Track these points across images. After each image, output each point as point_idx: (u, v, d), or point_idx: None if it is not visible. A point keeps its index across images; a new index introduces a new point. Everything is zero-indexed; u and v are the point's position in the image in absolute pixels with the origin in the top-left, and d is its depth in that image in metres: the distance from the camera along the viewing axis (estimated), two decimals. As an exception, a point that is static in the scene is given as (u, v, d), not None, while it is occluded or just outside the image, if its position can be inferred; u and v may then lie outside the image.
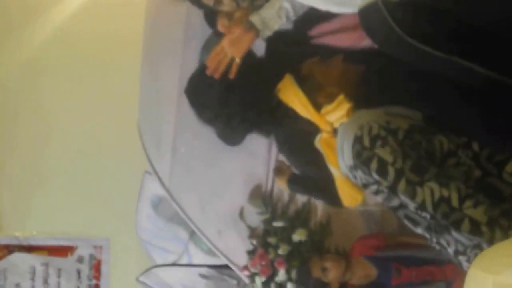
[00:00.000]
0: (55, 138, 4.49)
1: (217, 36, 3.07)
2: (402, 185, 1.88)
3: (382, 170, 1.92)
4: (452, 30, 1.98)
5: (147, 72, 3.97)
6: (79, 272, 4.56)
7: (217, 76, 2.48)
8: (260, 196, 3.73)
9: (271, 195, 3.72)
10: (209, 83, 2.46)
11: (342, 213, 3.55)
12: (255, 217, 3.73)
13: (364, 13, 2.17)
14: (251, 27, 2.51)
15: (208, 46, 3.88)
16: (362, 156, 1.97)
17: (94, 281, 4.56)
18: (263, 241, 3.67)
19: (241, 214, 3.75)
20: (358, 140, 2.00)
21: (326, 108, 2.24)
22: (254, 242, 3.71)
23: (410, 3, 2.03)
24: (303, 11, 2.52)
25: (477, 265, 1.35)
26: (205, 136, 3.82)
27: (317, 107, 2.28)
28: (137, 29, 4.06)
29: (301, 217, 3.65)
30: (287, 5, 2.49)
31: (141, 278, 4.23)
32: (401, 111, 2.10)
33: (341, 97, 2.21)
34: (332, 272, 3.22)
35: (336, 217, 3.57)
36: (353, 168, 2.04)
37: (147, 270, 4.20)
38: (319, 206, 3.61)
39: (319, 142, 2.31)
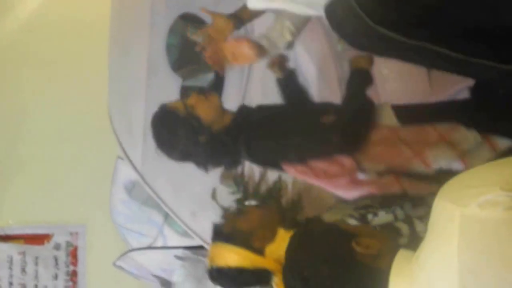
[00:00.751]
0: (28, 126, 4.48)
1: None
2: None
3: None
4: (419, 16, 1.98)
5: (115, 57, 3.97)
6: (56, 259, 4.56)
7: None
8: (231, 176, 3.75)
9: (242, 175, 3.74)
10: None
11: (313, 189, 3.57)
12: (228, 197, 3.75)
13: (332, 8, 2.17)
14: (260, 48, 2.56)
15: (175, 30, 3.89)
16: None
17: (71, 268, 4.56)
18: (236, 220, 3.68)
19: (214, 195, 3.77)
20: None
21: (270, 248, 1.96)
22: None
23: None
24: (303, 26, 2.57)
25: (444, 196, 1.32)
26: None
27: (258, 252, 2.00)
28: (105, 14, 4.06)
29: (273, 195, 3.67)
30: (287, 23, 2.54)
31: (118, 263, 4.24)
32: None
33: (281, 231, 1.94)
34: None
35: (307, 193, 3.60)
36: None
37: (124, 254, 4.21)
38: (290, 182, 3.63)
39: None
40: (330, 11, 2.17)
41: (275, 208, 2.21)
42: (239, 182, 3.73)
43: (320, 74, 3.45)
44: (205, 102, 2.68)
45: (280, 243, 1.90)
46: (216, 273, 1.99)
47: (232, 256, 2.01)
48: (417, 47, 1.97)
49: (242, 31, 2.80)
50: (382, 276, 1.45)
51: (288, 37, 2.59)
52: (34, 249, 4.52)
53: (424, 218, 1.72)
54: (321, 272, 1.53)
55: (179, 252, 4.04)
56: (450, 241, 1.27)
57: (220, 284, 2.07)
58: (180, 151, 2.67)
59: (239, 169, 3.76)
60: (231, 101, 3.73)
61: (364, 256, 1.51)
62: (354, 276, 1.51)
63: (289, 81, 2.96)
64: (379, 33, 1.99)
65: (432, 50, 1.97)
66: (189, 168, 3.85)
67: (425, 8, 1.94)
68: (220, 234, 2.12)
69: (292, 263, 1.63)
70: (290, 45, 2.69)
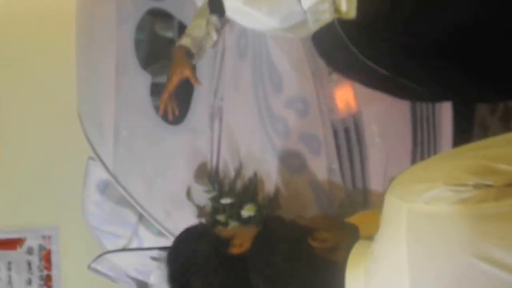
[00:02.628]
0: (-5, 128, 4.41)
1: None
2: None
3: None
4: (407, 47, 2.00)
5: (82, 55, 3.91)
6: (29, 264, 4.49)
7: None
8: (205, 173, 3.69)
9: (217, 172, 3.68)
10: None
11: (289, 184, 3.53)
12: (203, 196, 3.69)
13: (319, 36, 2.16)
14: (187, 51, 2.50)
15: (143, 27, 3.83)
16: None
17: (45, 272, 4.50)
18: (212, 219, 3.63)
19: (188, 194, 3.70)
20: None
21: None
22: (203, 220, 3.68)
23: (364, 23, 2.02)
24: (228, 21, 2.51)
25: (392, 192, 1.36)
26: (146, 116, 3.80)
27: None
28: (70, 13, 3.99)
29: (249, 192, 3.62)
30: (213, 19, 2.47)
31: (93, 265, 4.17)
32: None
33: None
34: None
35: (284, 189, 3.55)
36: None
37: (98, 256, 4.14)
38: (266, 179, 3.58)
39: None
40: (318, 38, 2.16)
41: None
42: (214, 180, 3.67)
43: (293, 67, 3.39)
44: None
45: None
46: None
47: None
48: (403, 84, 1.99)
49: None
50: (340, 269, 1.49)
51: (214, 37, 2.54)
52: (6, 254, 4.45)
53: None
54: (282, 270, 1.57)
55: (155, 253, 3.98)
56: (399, 235, 1.31)
57: None
58: None
59: (213, 165, 3.71)
60: (202, 98, 3.68)
61: (321, 250, 1.54)
62: (313, 270, 1.55)
63: None
64: (368, 66, 2.01)
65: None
66: (162, 167, 3.82)
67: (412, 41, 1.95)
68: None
69: (254, 263, 1.65)
70: (215, 44, 2.63)
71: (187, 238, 2.06)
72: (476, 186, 1.24)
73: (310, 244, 1.55)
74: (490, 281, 1.22)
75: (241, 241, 1.99)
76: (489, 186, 1.24)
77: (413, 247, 1.28)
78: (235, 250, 1.92)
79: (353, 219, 2.03)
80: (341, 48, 2.04)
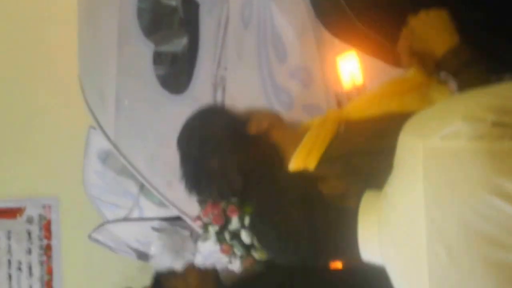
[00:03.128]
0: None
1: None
2: None
3: None
4: None
5: (84, 23, 3.85)
6: (29, 233, 4.48)
7: None
8: (207, 144, 3.65)
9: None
10: None
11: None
12: (205, 166, 3.66)
13: None
14: None
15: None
16: None
17: (45, 241, 4.49)
18: (214, 189, 3.60)
19: (190, 164, 3.67)
20: None
21: None
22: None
23: None
24: None
25: (407, 131, 1.34)
26: (148, 86, 3.76)
27: None
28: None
29: (251, 164, 3.59)
30: None
31: (93, 235, 4.16)
32: None
33: None
34: None
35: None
36: None
37: (99, 226, 4.13)
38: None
39: None
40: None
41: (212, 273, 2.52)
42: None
43: (297, 37, 3.35)
44: None
45: None
46: None
47: None
48: None
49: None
50: (351, 214, 1.46)
51: None
52: (6, 223, 4.44)
53: None
54: (291, 215, 1.53)
55: (156, 224, 3.96)
56: (415, 175, 1.28)
57: None
58: None
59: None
60: (205, 67, 3.64)
61: (331, 196, 1.52)
62: (323, 216, 1.52)
63: None
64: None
65: None
66: (165, 137, 3.78)
67: None
68: None
69: (261, 210, 1.61)
70: None
71: (201, 117, 2.05)
72: (494, 124, 1.22)
73: (321, 190, 1.52)
74: (507, 218, 1.20)
75: (258, 121, 1.98)
76: (506, 126, 1.23)
77: (430, 186, 1.26)
78: (253, 129, 1.91)
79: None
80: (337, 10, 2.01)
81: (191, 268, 2.82)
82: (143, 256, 4.10)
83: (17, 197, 4.43)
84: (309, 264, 1.67)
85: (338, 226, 1.49)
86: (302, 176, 1.64)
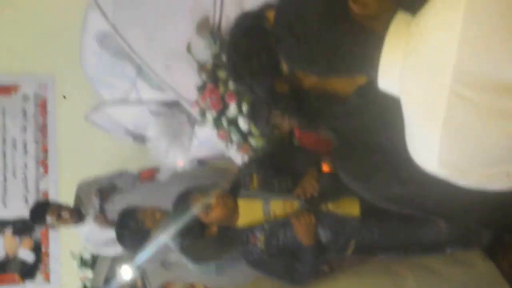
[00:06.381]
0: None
1: None
2: None
3: None
4: None
5: None
6: (24, 112, 4.45)
7: None
8: (208, 27, 3.59)
9: (219, 29, 3.58)
10: None
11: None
12: (204, 51, 3.60)
13: None
14: None
15: None
16: None
17: (41, 120, 4.46)
18: (212, 76, 3.56)
19: (189, 48, 3.61)
20: None
21: None
22: (204, 76, 3.61)
23: None
24: None
25: None
26: (149, -35, 3.65)
27: None
28: None
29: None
30: None
31: (90, 116, 4.13)
32: None
33: None
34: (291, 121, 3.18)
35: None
36: None
37: (95, 107, 4.10)
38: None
39: None
40: None
41: None
42: (216, 35, 3.57)
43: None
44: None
45: None
46: None
47: None
48: None
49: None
50: (377, 38, 1.38)
51: None
52: (0, 100, 4.39)
53: None
54: (313, 28, 1.45)
55: (153, 107, 3.94)
56: (456, 9, 1.20)
57: None
58: None
59: (216, 20, 3.60)
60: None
61: (360, 16, 1.42)
62: (347, 35, 1.44)
63: None
64: None
65: None
66: (164, 19, 3.70)
67: None
68: None
69: (283, 14, 1.52)
70: None
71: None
72: None
73: (350, 6, 1.42)
74: None
75: None
76: None
77: (470, 24, 1.19)
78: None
79: None
80: None
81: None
82: (139, 138, 4.10)
83: (12, 74, 4.37)
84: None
85: (360, 48, 1.42)
86: None
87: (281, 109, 2.03)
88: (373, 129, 1.74)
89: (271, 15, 1.85)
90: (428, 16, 1.29)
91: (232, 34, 1.94)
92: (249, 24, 1.87)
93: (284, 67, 1.76)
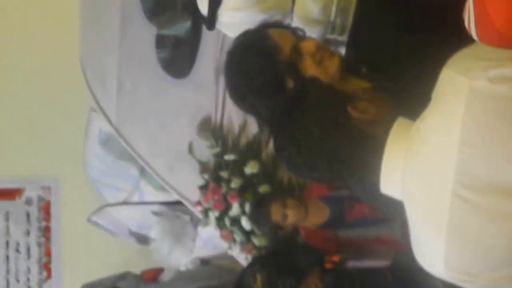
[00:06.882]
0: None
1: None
2: None
3: None
4: None
5: (86, 5, 3.82)
6: (28, 215, 4.46)
7: None
8: (209, 128, 3.64)
9: (221, 128, 3.63)
10: None
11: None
12: (206, 151, 3.65)
13: None
14: None
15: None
16: None
17: (44, 223, 4.47)
18: (215, 175, 3.60)
19: (190, 149, 3.66)
20: None
21: None
22: (206, 176, 3.64)
23: None
24: None
25: (452, 67, 1.26)
26: (150, 69, 3.74)
27: None
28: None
29: (253, 149, 3.58)
30: None
31: (93, 218, 4.14)
32: None
33: None
34: (291, 218, 3.18)
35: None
36: None
37: (99, 209, 4.11)
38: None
39: None
40: None
41: None
42: (218, 135, 3.62)
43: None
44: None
45: None
46: None
47: None
48: None
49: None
50: (377, 143, 1.38)
51: None
52: (4, 205, 4.41)
53: None
54: (313, 135, 1.44)
55: (156, 208, 3.96)
56: (455, 113, 1.22)
57: None
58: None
59: (217, 121, 3.66)
60: (208, 52, 3.62)
61: (359, 121, 1.42)
62: (348, 141, 1.43)
63: None
64: None
65: None
66: (166, 121, 3.77)
67: None
68: None
69: (284, 123, 1.52)
70: None
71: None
72: None
73: (349, 112, 1.43)
74: None
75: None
76: None
77: (469, 127, 1.21)
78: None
79: None
80: None
81: None
82: (142, 240, 4.09)
83: (16, 178, 4.40)
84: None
85: (361, 153, 1.42)
86: (333, 93, 1.53)
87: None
88: None
89: (271, 31, 1.83)
90: (428, 120, 1.31)
91: (232, 53, 1.89)
92: (250, 42, 1.83)
93: (289, 83, 1.74)
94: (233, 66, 1.84)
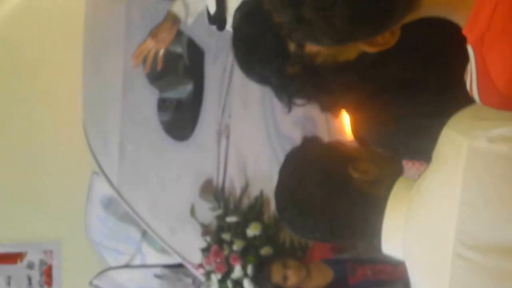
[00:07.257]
0: (-1, 139, 4.36)
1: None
2: None
3: None
4: None
5: (89, 69, 3.86)
6: (30, 279, 4.42)
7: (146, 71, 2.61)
8: (211, 191, 3.65)
9: (222, 190, 3.64)
10: None
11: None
12: (208, 213, 3.65)
13: None
14: (175, 21, 2.51)
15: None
16: None
17: (46, 287, 4.43)
18: (217, 238, 3.60)
19: (192, 211, 3.67)
20: None
21: None
22: (208, 239, 3.63)
23: None
24: None
25: (452, 127, 1.27)
26: (152, 132, 3.77)
27: None
28: (78, 27, 3.95)
29: (255, 211, 3.59)
30: None
31: (95, 282, 4.12)
32: None
33: None
34: (293, 280, 3.17)
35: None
36: None
37: (100, 273, 4.09)
38: (272, 198, 3.55)
39: None
40: None
41: None
42: (220, 198, 3.63)
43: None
44: None
45: None
46: None
47: None
48: None
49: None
50: (378, 204, 1.38)
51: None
52: (6, 269, 4.38)
53: None
54: (314, 196, 1.45)
55: (158, 270, 3.93)
56: (455, 173, 1.21)
57: None
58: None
59: (219, 183, 3.67)
60: (210, 114, 3.65)
61: (360, 182, 1.43)
62: (348, 201, 1.43)
63: None
64: None
65: None
66: (168, 183, 3.77)
67: None
68: None
69: (285, 184, 1.52)
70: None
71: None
72: None
73: (349, 173, 1.43)
74: None
75: None
76: None
77: (469, 187, 1.20)
78: None
79: None
80: None
81: None
82: (145, 303, 4.07)
83: (18, 242, 4.38)
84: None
85: (362, 214, 1.42)
86: (334, 153, 1.54)
87: (298, 91, 1.82)
88: None
89: None
90: (428, 179, 1.30)
91: (235, 27, 1.89)
92: (248, 10, 1.80)
93: (291, 46, 1.72)
94: (236, 38, 1.82)
